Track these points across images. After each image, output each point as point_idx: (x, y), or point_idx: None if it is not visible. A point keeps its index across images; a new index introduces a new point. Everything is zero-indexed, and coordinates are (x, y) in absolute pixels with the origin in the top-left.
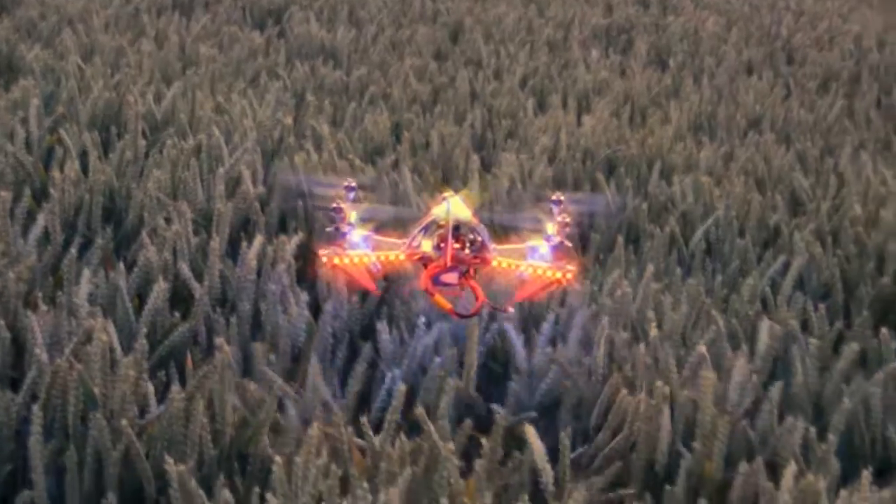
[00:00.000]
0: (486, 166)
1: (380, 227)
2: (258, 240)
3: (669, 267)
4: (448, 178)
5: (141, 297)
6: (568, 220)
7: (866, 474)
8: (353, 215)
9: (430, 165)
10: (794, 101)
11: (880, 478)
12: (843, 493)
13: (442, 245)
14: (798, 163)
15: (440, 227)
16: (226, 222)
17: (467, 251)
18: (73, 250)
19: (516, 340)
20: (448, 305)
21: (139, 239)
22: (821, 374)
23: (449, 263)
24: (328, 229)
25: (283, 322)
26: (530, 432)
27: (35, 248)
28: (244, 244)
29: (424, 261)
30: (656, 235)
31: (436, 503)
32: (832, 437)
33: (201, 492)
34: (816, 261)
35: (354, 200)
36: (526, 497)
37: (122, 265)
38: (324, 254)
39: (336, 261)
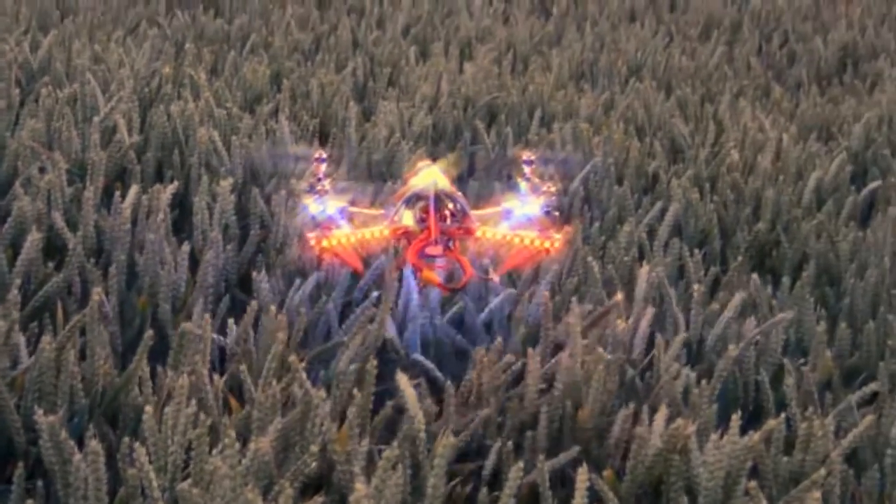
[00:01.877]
0: (366, 115)
1: (354, 199)
2: (133, 189)
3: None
4: (326, 127)
5: (14, 248)
6: (553, 189)
7: (735, 418)
8: (325, 185)
9: (309, 114)
10: (676, 49)
11: (755, 421)
12: (714, 436)
13: (424, 217)
14: (678, 109)
15: (420, 199)
16: (100, 172)
17: (450, 222)
18: None
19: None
20: (437, 280)
21: (13, 189)
22: (701, 320)
23: (435, 237)
24: (308, 204)
25: (162, 272)
26: (402, 379)
27: None
28: (118, 194)
29: (408, 235)
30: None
31: (305, 450)
32: (705, 383)
33: (71, 442)
34: (694, 207)
35: (324, 174)
36: (395, 444)
37: None
38: (311, 236)
39: (325, 243)
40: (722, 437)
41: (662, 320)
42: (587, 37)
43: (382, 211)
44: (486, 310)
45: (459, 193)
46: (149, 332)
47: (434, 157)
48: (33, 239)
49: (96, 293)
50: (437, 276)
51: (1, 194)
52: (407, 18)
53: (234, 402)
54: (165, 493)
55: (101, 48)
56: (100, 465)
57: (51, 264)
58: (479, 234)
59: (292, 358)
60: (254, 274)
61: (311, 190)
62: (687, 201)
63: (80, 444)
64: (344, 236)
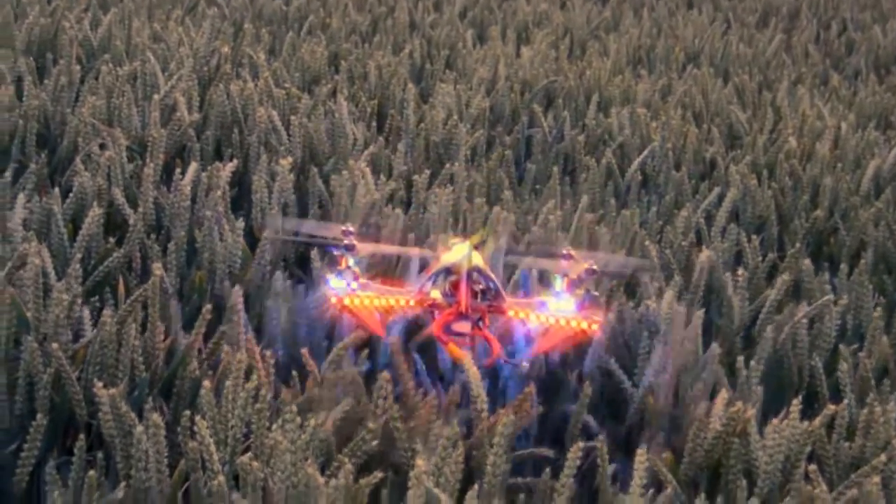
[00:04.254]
0: (423, 97)
1: (379, 273)
2: (193, 167)
3: (605, 198)
4: (384, 108)
5: (75, 223)
6: (595, 266)
7: (795, 402)
8: (350, 261)
9: (367, 95)
10: (733, 36)
11: (807, 406)
12: (775, 421)
13: (453, 292)
14: (735, 96)
15: (451, 273)
16: (160, 149)
17: (479, 300)
18: (8, 175)
19: None
20: (462, 355)
21: (73, 165)
22: (752, 304)
23: (464, 311)
24: (333, 279)
25: (220, 249)
26: (466, 358)
27: None
28: (178, 171)
29: (434, 308)
30: (592, 167)
31: (365, 428)
32: (754, 364)
33: (133, 414)
34: (751, 193)
35: (349, 248)
36: (456, 423)
37: (56, 191)
38: (333, 293)
39: (346, 301)
40: (781, 421)
41: (719, 306)
42: (644, 22)
43: (409, 287)
44: None
45: (492, 272)
46: (206, 307)
47: (466, 235)
48: (94, 214)
49: (157, 268)
50: (462, 352)
51: (62, 170)
52: (464, 2)
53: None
54: (225, 467)
55: (160, 27)
56: (160, 438)
57: (111, 240)
58: (510, 313)
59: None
60: (311, 253)
61: (335, 264)
62: (745, 187)
63: (140, 417)
64: (367, 298)
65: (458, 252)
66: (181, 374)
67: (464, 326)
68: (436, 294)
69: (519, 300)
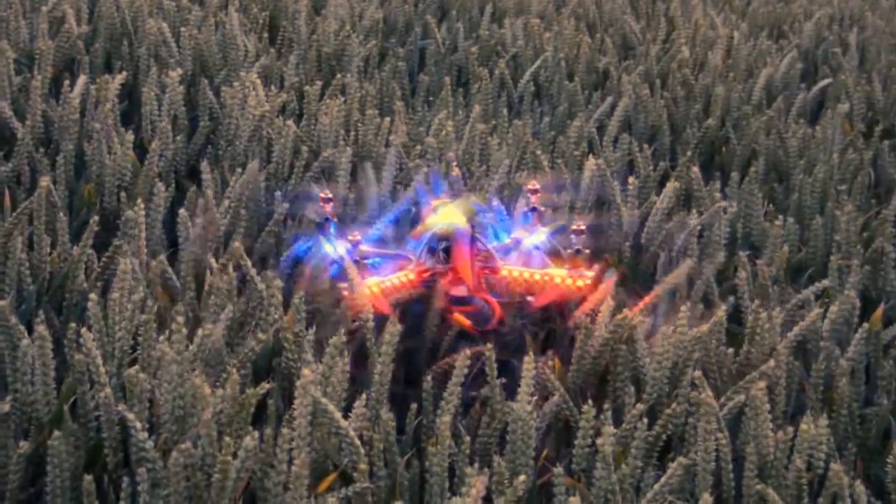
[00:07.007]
0: (316, 8)
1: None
2: (82, 79)
3: (497, 109)
4: (276, 20)
5: None
6: (583, 226)
7: (683, 309)
8: (332, 229)
9: (259, 6)
10: None
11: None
12: (663, 328)
13: (446, 258)
14: (629, 7)
15: (441, 238)
16: (48, 62)
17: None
18: None
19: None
20: (467, 322)
21: None
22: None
23: (472, 283)
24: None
25: (109, 162)
26: (351, 269)
27: None
28: (67, 84)
29: (434, 276)
30: (485, 78)
31: (254, 335)
32: (665, 278)
33: (21, 327)
34: (644, 103)
35: (332, 212)
36: (342, 331)
37: None
38: (344, 288)
39: (365, 292)
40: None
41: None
42: None
43: (395, 251)
44: None
45: (478, 234)
46: (94, 219)
47: (451, 196)
48: None
49: (43, 180)
50: (465, 318)
51: None
52: None
53: (159, 291)
54: (112, 379)
55: None
56: (47, 351)
57: None
58: (504, 272)
59: (237, 244)
60: (201, 164)
61: (321, 231)
62: (637, 97)
63: (29, 331)
64: (375, 284)
65: (444, 216)
66: (70, 288)
67: (461, 290)
68: (431, 262)
69: (499, 246)
